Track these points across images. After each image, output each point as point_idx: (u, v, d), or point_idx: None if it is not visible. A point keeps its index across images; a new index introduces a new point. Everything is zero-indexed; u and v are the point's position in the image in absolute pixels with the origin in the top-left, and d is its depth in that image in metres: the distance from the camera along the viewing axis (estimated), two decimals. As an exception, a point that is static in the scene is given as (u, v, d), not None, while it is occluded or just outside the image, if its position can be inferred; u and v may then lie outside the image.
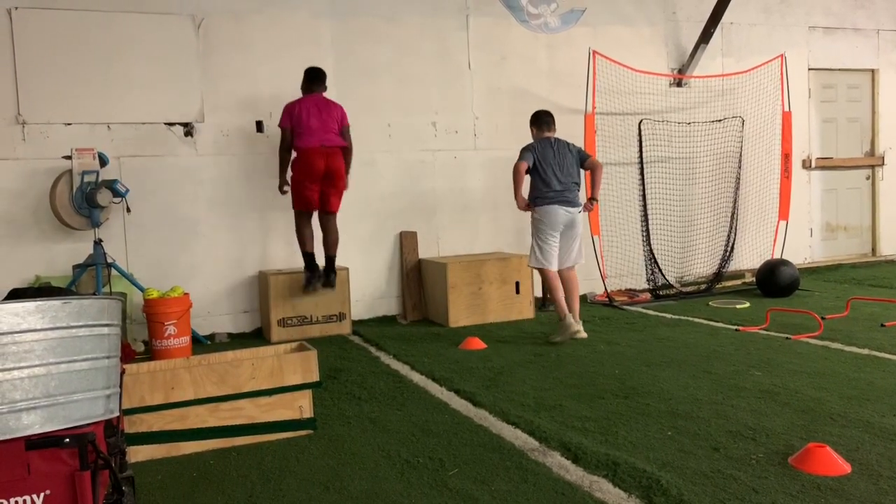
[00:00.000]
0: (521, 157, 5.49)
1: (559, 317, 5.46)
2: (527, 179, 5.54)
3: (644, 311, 6.65)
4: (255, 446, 3.46)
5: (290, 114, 5.63)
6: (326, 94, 5.86)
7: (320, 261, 5.91)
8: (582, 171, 5.70)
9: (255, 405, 3.52)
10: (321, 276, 5.86)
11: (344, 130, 5.78)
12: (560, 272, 5.54)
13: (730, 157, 7.91)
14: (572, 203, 5.48)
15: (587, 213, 5.94)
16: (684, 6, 7.90)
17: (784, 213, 8.01)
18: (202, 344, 5.85)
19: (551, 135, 5.63)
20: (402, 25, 6.77)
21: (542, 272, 5.56)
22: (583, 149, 5.89)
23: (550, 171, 5.44)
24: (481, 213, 7.07)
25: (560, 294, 5.46)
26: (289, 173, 5.78)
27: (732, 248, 7.75)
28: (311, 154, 5.54)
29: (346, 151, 5.78)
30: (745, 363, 4.56)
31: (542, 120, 5.70)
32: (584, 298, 7.32)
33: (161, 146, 6.02)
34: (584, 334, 5.43)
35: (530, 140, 5.70)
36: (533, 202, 5.52)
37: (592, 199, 5.72)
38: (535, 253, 5.54)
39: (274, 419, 3.55)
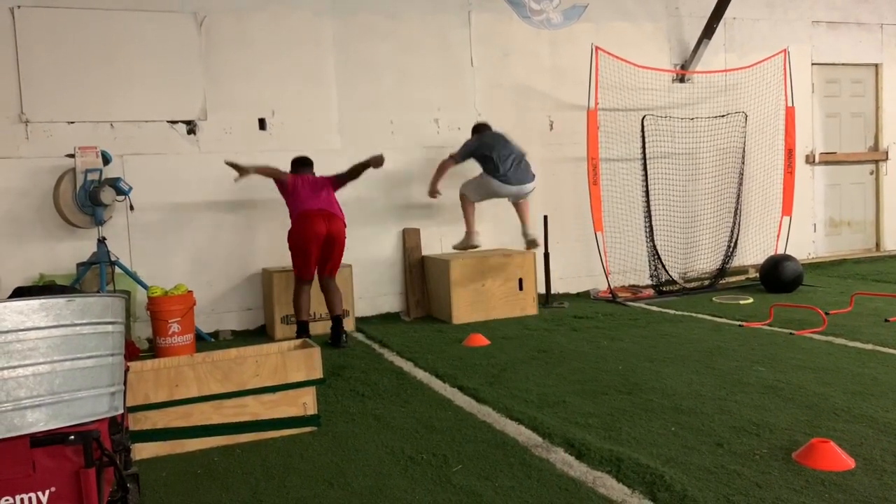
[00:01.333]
0: (454, 154, 6.37)
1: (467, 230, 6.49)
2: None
3: (647, 307, 6.64)
4: (259, 443, 3.47)
5: (291, 177, 5.59)
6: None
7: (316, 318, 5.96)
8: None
9: (258, 402, 3.52)
10: (329, 339, 5.62)
11: (336, 182, 5.69)
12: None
13: (733, 152, 7.90)
14: (523, 181, 6.33)
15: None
16: (687, 1, 7.88)
17: (787, 208, 8.00)
18: (206, 341, 5.87)
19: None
20: (404, 22, 6.77)
21: (466, 199, 6.48)
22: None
23: (496, 155, 6.21)
24: (484, 210, 7.05)
25: (471, 216, 6.49)
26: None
27: (736, 243, 7.73)
28: (311, 217, 5.39)
29: (350, 176, 5.73)
30: (748, 359, 4.56)
31: (480, 129, 6.52)
32: (587, 294, 7.35)
33: (164, 144, 6.03)
34: (477, 243, 6.46)
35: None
36: (487, 173, 6.34)
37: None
38: (471, 192, 6.47)
39: (278, 416, 3.56)
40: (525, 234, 6.49)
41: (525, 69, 7.22)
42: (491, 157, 6.26)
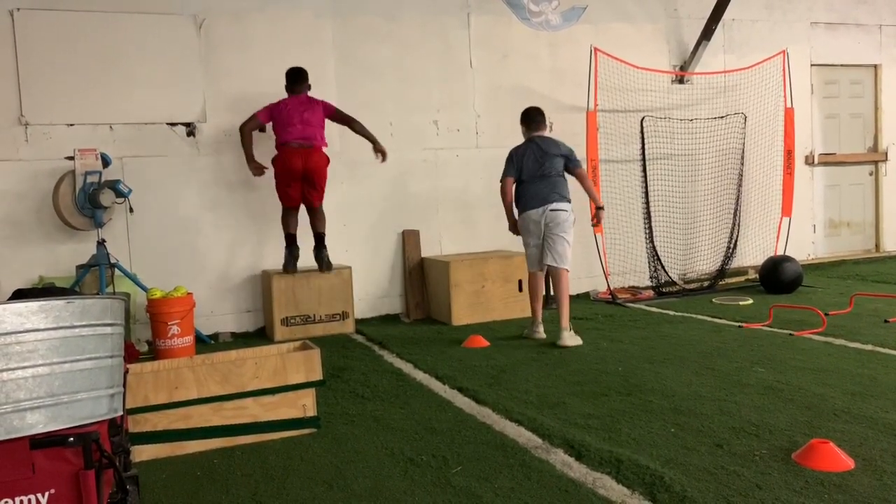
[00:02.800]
0: (505, 173, 5.48)
1: (532, 319, 5.55)
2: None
3: (647, 308, 6.64)
4: (259, 445, 3.47)
5: (271, 111, 5.77)
6: (316, 94, 5.99)
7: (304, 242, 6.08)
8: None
9: (258, 404, 3.52)
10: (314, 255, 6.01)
11: (335, 115, 5.90)
12: (548, 272, 5.48)
13: (732, 153, 7.90)
14: (547, 200, 5.27)
15: (597, 223, 5.91)
16: (686, 3, 7.89)
17: (787, 209, 8.00)
18: (206, 343, 5.86)
19: (541, 133, 5.54)
20: (404, 24, 6.77)
21: (529, 276, 5.63)
22: (574, 153, 5.50)
23: (528, 176, 5.35)
24: (484, 212, 7.06)
25: (536, 301, 5.50)
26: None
27: (735, 244, 7.74)
28: (288, 153, 5.67)
29: (353, 125, 5.94)
30: (748, 360, 4.56)
31: (531, 118, 5.58)
32: (586, 296, 7.34)
33: (163, 146, 6.03)
34: (542, 335, 5.43)
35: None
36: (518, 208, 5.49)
37: (598, 208, 5.73)
38: (527, 255, 5.56)
39: (277, 418, 3.55)
40: (560, 337, 5.20)
41: (524, 71, 7.23)
42: (520, 176, 5.39)
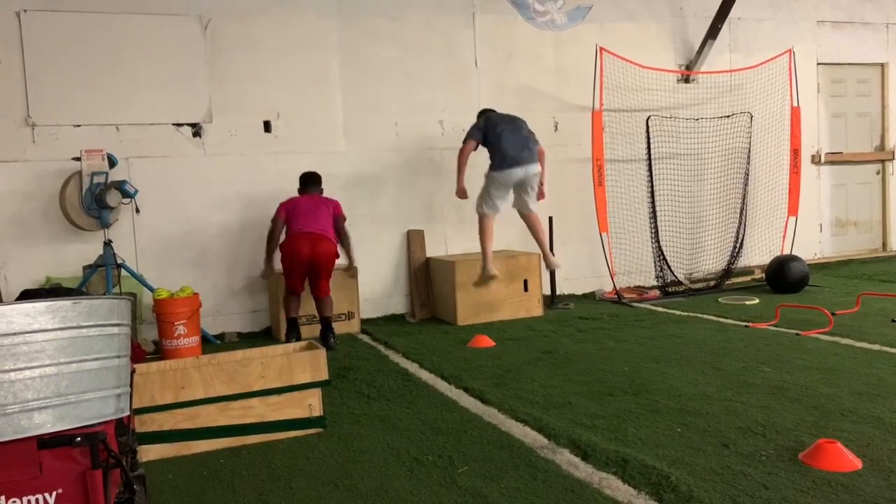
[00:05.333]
0: (469, 136, 6.04)
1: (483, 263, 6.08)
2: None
3: (653, 307, 6.63)
4: (265, 445, 3.47)
5: (286, 207, 5.69)
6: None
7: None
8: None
9: (264, 404, 3.53)
10: (320, 340, 5.66)
11: (337, 221, 5.73)
12: (523, 217, 6.25)
13: (738, 152, 7.88)
14: (528, 161, 5.96)
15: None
16: (691, 2, 7.87)
17: (793, 208, 7.97)
18: (212, 343, 5.88)
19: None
20: (408, 24, 6.77)
21: (482, 217, 6.11)
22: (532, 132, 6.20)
23: (504, 135, 5.94)
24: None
25: (489, 243, 6.06)
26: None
27: (741, 244, 7.72)
28: (297, 238, 5.49)
29: (343, 238, 5.79)
30: (754, 359, 4.55)
31: (310, 182, 5.93)
32: (592, 296, 7.33)
33: (169, 147, 6.04)
34: (495, 273, 6.04)
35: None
36: (491, 168, 6.05)
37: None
38: (485, 202, 6.13)
39: (283, 418, 3.56)
40: (548, 263, 6.36)
41: (529, 70, 7.22)
42: (498, 135, 5.98)
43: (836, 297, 6.53)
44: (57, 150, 5.69)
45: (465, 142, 6.07)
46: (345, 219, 5.81)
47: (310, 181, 5.91)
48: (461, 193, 6.12)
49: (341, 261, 5.82)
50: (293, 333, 5.70)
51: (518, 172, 5.98)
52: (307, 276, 5.58)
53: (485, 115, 6.28)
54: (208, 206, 6.16)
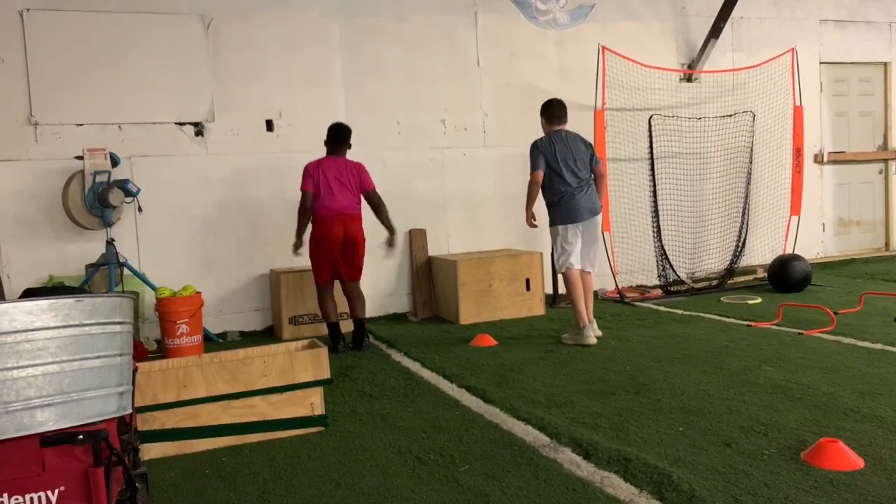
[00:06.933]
0: (534, 166, 5.23)
1: (577, 323, 5.23)
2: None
3: (655, 307, 6.63)
4: (267, 443, 3.48)
5: (312, 176, 5.31)
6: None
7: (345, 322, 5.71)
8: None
9: (266, 402, 3.53)
10: (350, 342, 5.53)
11: (369, 197, 5.46)
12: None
13: (741, 152, 7.87)
14: (593, 210, 5.27)
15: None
16: (694, 1, 7.87)
17: (796, 208, 7.96)
18: (214, 342, 5.88)
19: (562, 128, 5.41)
20: (411, 23, 6.77)
21: (565, 274, 5.31)
22: (593, 147, 5.53)
23: (564, 166, 5.22)
24: (491, 211, 7.06)
25: (581, 300, 5.20)
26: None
27: (744, 243, 7.71)
28: (327, 221, 5.27)
29: (378, 211, 5.50)
30: (756, 359, 4.54)
31: (553, 112, 5.44)
32: (595, 295, 7.31)
33: (172, 146, 6.05)
34: (594, 340, 5.18)
35: (539, 136, 5.62)
36: (550, 202, 5.32)
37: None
38: (559, 255, 5.33)
39: (285, 416, 3.56)
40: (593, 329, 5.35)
41: (532, 69, 7.22)
42: (556, 171, 5.22)
43: (839, 297, 6.52)
44: (59, 149, 5.70)
45: (533, 173, 5.32)
46: (374, 188, 5.45)
47: (341, 137, 5.47)
48: (531, 223, 5.49)
49: (371, 239, 5.55)
50: (339, 340, 5.43)
51: (580, 221, 5.28)
52: (338, 262, 5.31)
53: (545, 119, 5.49)
54: (210, 205, 6.16)
